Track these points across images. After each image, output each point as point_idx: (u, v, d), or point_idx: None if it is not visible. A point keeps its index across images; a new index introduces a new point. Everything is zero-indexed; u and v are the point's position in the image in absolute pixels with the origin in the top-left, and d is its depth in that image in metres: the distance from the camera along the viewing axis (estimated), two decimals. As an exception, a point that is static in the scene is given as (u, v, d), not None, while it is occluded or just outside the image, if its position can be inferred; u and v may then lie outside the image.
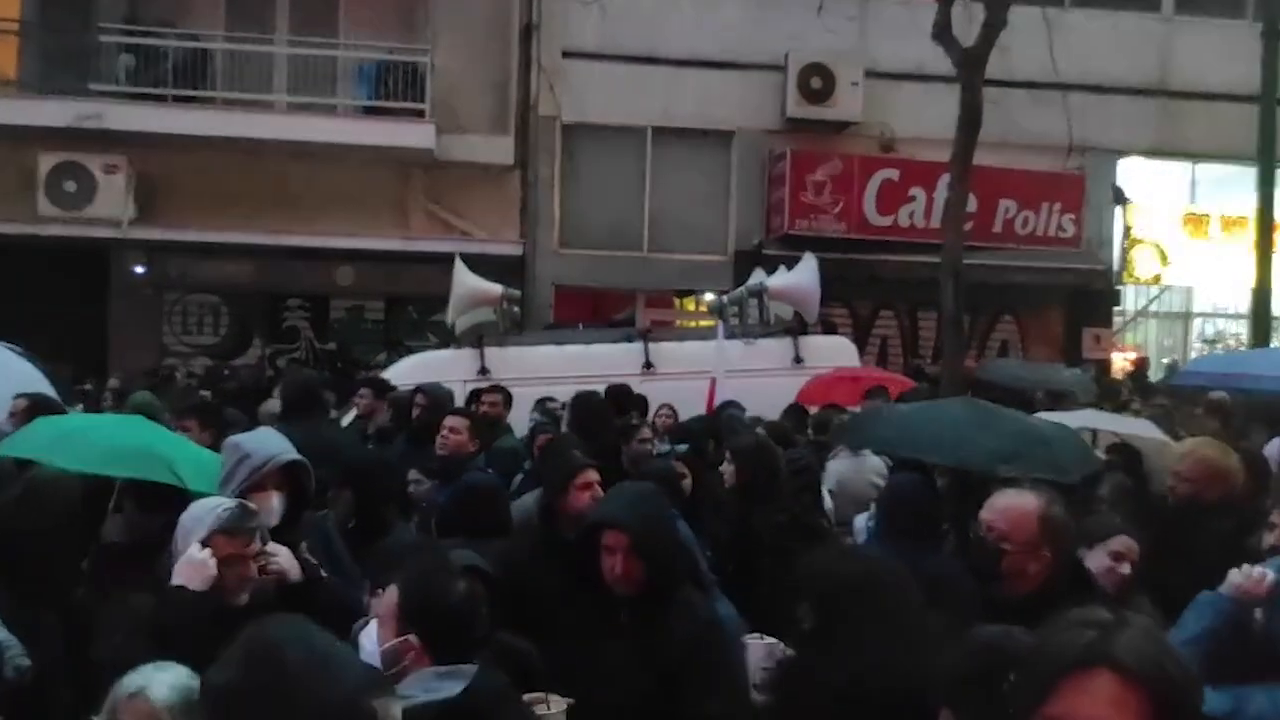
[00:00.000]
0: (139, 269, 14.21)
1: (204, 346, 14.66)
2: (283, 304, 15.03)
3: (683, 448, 5.55)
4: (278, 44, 13.92)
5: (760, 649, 3.15)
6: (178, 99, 13.13)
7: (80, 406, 8.27)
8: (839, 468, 5.11)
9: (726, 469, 4.65)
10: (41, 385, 7.00)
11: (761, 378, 8.55)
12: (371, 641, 2.54)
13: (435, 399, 6.66)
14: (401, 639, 2.38)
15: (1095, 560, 3.24)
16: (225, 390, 10.74)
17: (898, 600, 2.61)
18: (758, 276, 10.28)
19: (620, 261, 14.61)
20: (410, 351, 11.78)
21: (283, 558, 3.14)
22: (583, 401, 5.93)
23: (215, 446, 4.21)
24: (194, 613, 2.80)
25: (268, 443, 3.64)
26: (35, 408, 5.62)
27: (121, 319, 14.29)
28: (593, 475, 3.75)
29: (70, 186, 12.74)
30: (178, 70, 13.11)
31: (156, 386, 10.33)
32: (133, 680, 2.24)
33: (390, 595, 2.47)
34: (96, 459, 3.78)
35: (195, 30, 13.64)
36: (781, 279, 10.01)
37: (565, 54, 14.33)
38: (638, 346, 9.27)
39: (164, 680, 2.23)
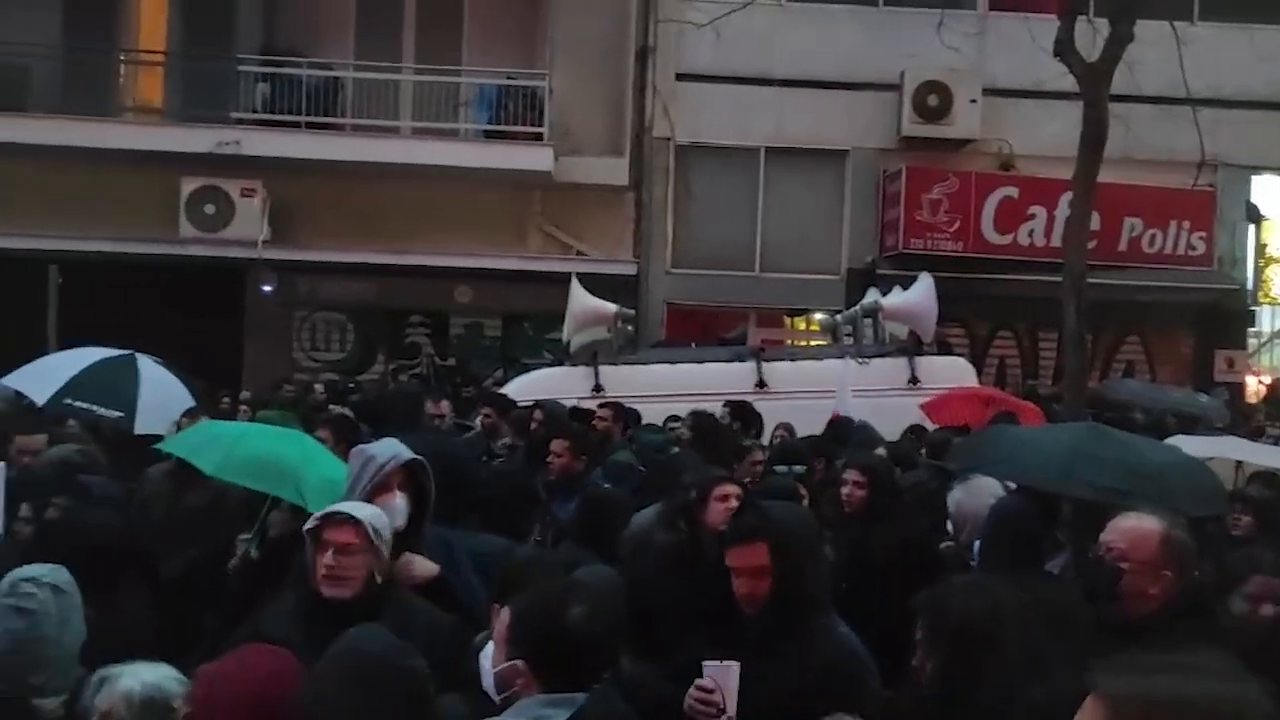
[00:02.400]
0: (270, 288, 14.85)
1: (331, 362, 15.21)
2: (405, 321, 15.52)
3: (800, 468, 5.57)
4: (404, 72, 14.44)
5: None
6: (310, 125, 13.73)
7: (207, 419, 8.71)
8: (958, 491, 5.05)
9: (847, 488, 4.65)
10: (182, 401, 7.42)
11: (876, 398, 8.50)
12: (490, 661, 2.50)
13: (552, 416, 6.79)
14: (510, 663, 2.31)
15: (1236, 605, 3.13)
16: (351, 404, 11.15)
17: (1019, 633, 2.58)
18: (872, 296, 10.23)
19: (732, 281, 14.69)
20: (526, 368, 12.05)
21: (417, 564, 3.28)
22: (700, 419, 6.01)
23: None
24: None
25: (389, 445, 3.72)
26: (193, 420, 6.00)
27: (255, 335, 14.95)
28: (732, 488, 3.76)
29: (209, 209, 13.43)
30: (310, 98, 13.71)
31: (288, 401, 10.82)
32: (114, 670, 2.32)
33: (505, 616, 2.40)
34: (231, 468, 3.98)
35: (327, 59, 14.26)
36: (897, 298, 9.95)
37: (679, 76, 14.52)
38: (750, 365, 9.32)
39: (139, 675, 2.29)
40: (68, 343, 9.29)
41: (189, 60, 14.11)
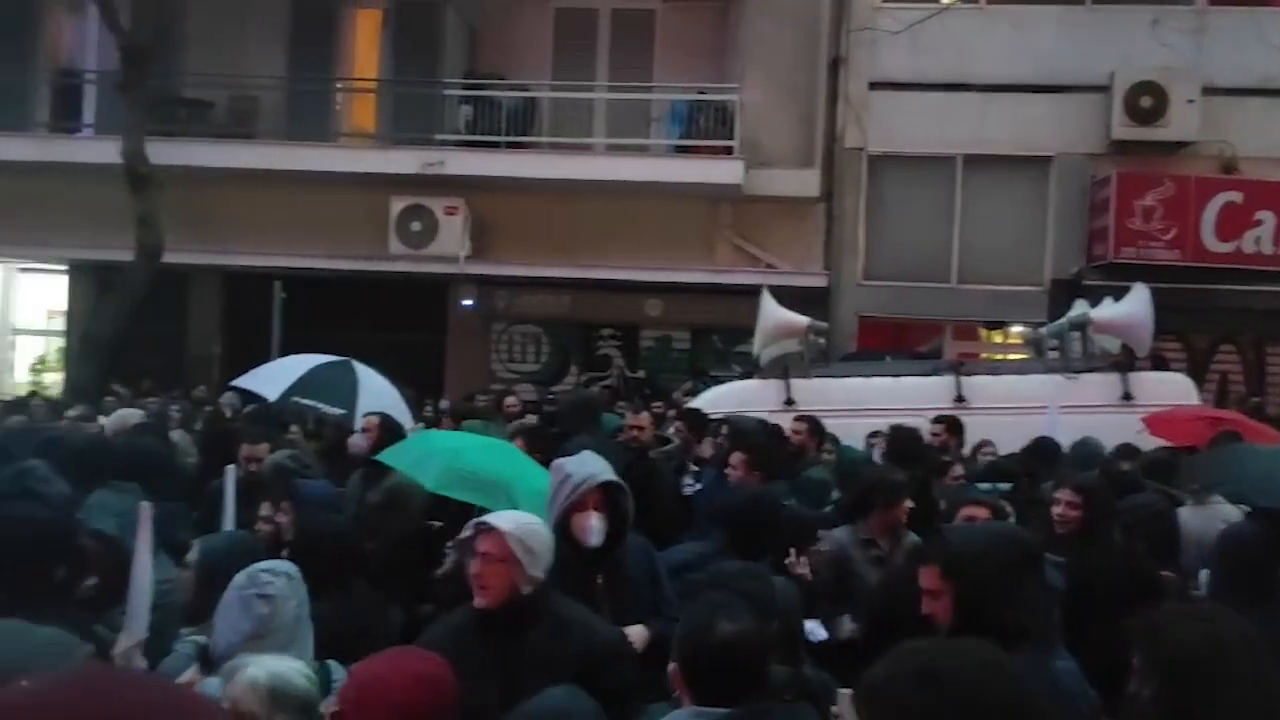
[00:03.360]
0: (471, 301, 15.47)
1: (526, 373, 15.70)
2: (596, 333, 15.85)
3: (1005, 486, 5.35)
4: (597, 90, 14.79)
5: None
6: (509, 145, 14.25)
7: (421, 425, 9.15)
8: (1186, 513, 4.73)
9: (1059, 509, 4.43)
10: (397, 404, 7.84)
11: (1085, 415, 8.07)
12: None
13: (737, 430, 6.75)
14: (674, 666, 2.42)
15: None
16: (546, 415, 11.46)
17: (1248, 667, 2.39)
18: (1080, 307, 9.73)
19: (927, 292, 14.28)
20: (715, 380, 12.08)
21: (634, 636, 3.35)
22: (900, 433, 5.86)
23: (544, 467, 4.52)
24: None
25: (587, 463, 3.77)
26: (384, 425, 6.31)
27: (456, 347, 15.61)
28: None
29: (416, 226, 14.13)
30: (509, 119, 14.24)
31: (481, 410, 11.23)
32: (244, 660, 2.37)
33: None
34: (447, 480, 4.13)
35: (525, 81, 14.76)
36: (1109, 310, 9.43)
37: (873, 85, 14.27)
38: (949, 379, 9.03)
39: (265, 665, 2.34)
40: (289, 353, 9.94)
41: (398, 86, 14.89)
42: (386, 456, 4.59)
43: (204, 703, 1.33)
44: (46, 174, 14.22)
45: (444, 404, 12.19)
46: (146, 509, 3.03)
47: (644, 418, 7.57)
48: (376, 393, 7.82)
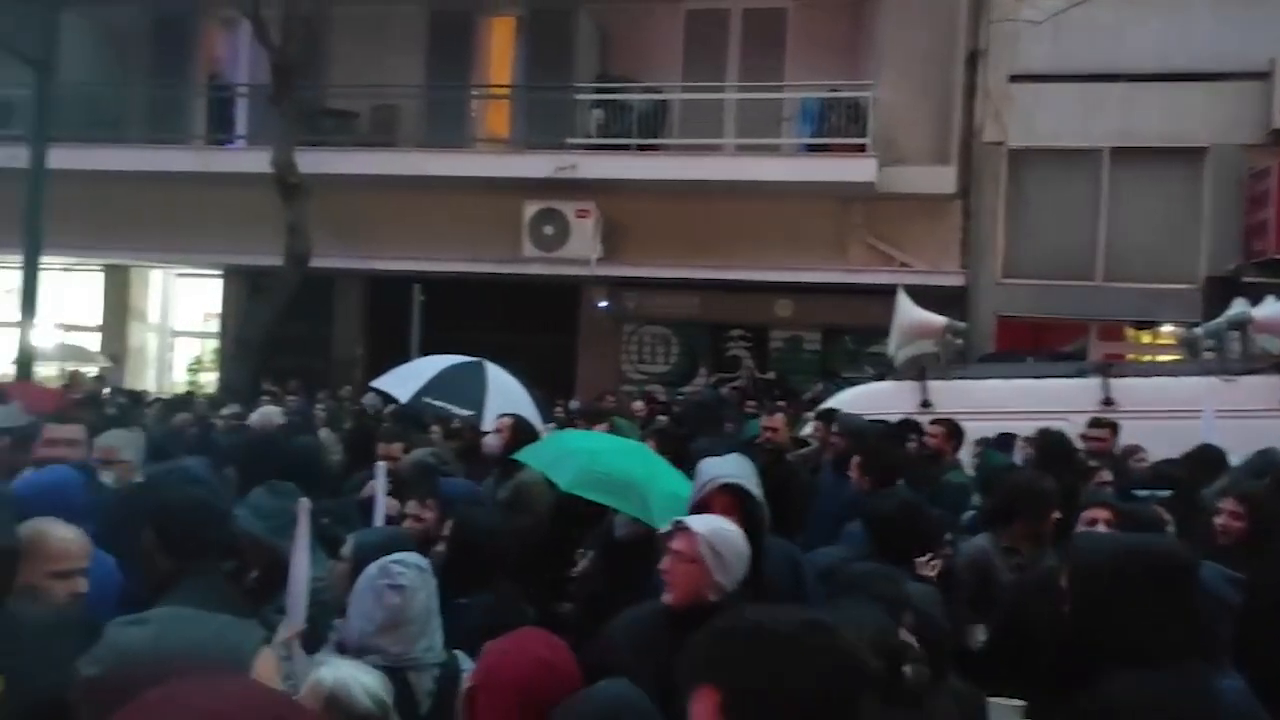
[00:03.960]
0: (602, 303, 15.62)
1: (656, 374, 15.79)
2: (726, 334, 15.83)
3: (1164, 493, 5.10)
4: (728, 91, 14.76)
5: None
6: (640, 148, 14.35)
7: (553, 425, 9.28)
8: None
9: (1222, 518, 4.20)
10: (527, 405, 7.97)
11: (1245, 419, 7.64)
12: None
13: (851, 431, 6.65)
14: None
15: None
16: (672, 416, 11.49)
17: None
18: (1239, 306, 9.22)
19: (1070, 291, 13.77)
20: (847, 382, 11.90)
21: None
22: (1046, 437, 5.66)
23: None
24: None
25: (717, 465, 3.73)
26: (517, 426, 6.41)
27: (587, 348, 15.81)
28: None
29: (548, 230, 14.35)
30: (640, 121, 14.33)
31: (608, 411, 11.34)
32: (327, 659, 2.37)
33: None
34: (581, 481, 4.17)
35: (656, 83, 14.84)
36: (1271, 308, 8.91)
37: (1013, 78, 13.82)
38: (1096, 381, 8.67)
39: (338, 670, 2.35)
40: (427, 354, 10.23)
41: (531, 91, 15.16)
42: (524, 455, 4.68)
43: (301, 709, 1.37)
44: (203, 184, 15.01)
45: (574, 404, 12.35)
46: (305, 505, 3.16)
47: (779, 419, 7.51)
48: (506, 394, 7.96)
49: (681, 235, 14.41)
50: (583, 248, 14.25)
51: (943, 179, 13.89)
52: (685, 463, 4.83)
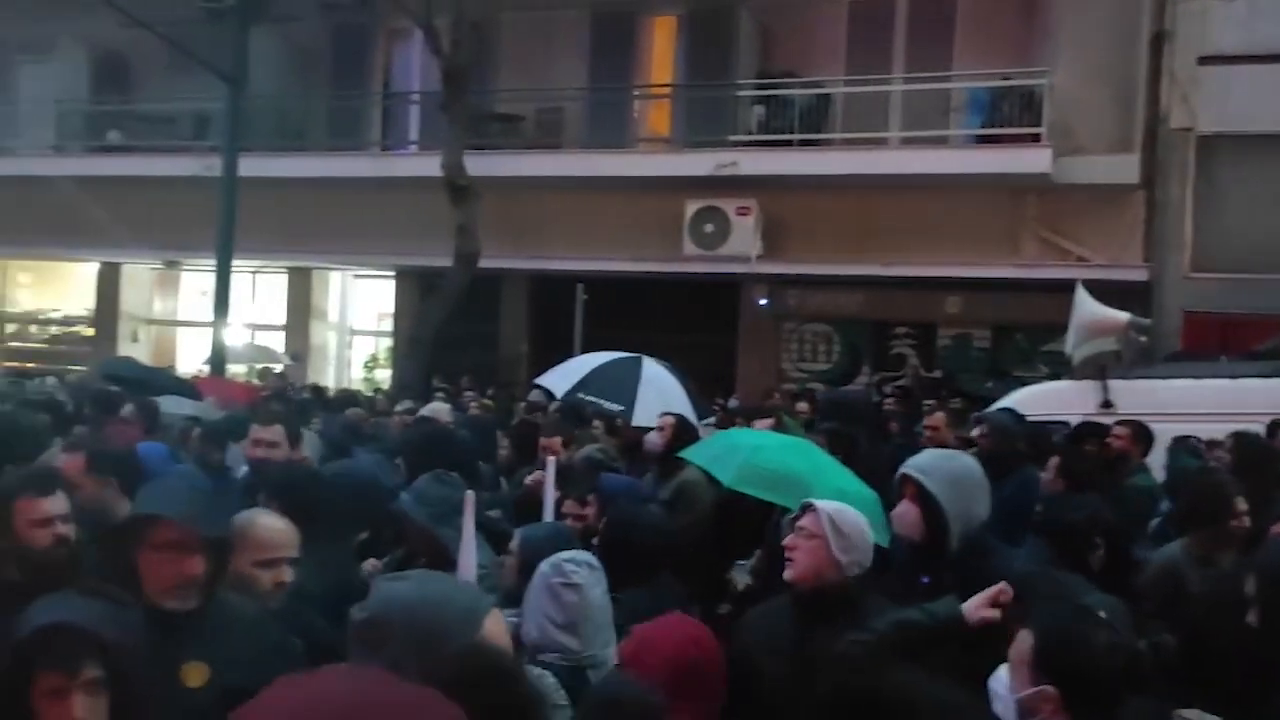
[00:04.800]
0: (762, 301, 15.50)
1: (817, 372, 15.55)
2: (890, 332, 15.45)
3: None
4: (894, 83, 14.41)
5: None
6: (801, 143, 14.16)
7: (712, 421, 9.25)
8: None
9: None
10: (682, 402, 7.96)
11: None
12: (1003, 686, 2.42)
13: (998, 430, 6.36)
14: (1037, 689, 2.25)
15: None
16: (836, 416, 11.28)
17: None
18: None
19: (1264, 285, 12.80)
20: (1020, 381, 11.44)
21: None
22: (1245, 441, 5.28)
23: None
24: None
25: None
26: (679, 424, 6.41)
27: (747, 346, 15.72)
28: None
29: (709, 228, 14.34)
30: (802, 116, 14.15)
31: (768, 409, 11.21)
32: None
33: (1025, 638, 2.34)
34: (745, 477, 4.13)
35: (819, 77, 14.62)
36: None
37: (1202, 60, 12.99)
38: (1295, 382, 8.05)
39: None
40: (589, 352, 10.37)
41: (692, 90, 15.18)
42: (687, 452, 4.67)
43: (446, 705, 1.41)
44: (378, 189, 15.66)
45: (733, 403, 12.29)
46: (471, 497, 3.23)
47: (939, 418, 7.30)
48: (659, 390, 7.98)
49: (844, 231, 14.16)
50: (743, 245, 14.17)
51: (1124, 168, 13.17)
52: (854, 462, 4.73)
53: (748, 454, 4.12)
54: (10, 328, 20.97)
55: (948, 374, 14.90)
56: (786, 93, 14.39)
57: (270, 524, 3.04)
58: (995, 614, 2.78)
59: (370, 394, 13.62)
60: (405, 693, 1.39)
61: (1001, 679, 2.48)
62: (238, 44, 14.19)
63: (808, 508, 3.18)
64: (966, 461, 3.66)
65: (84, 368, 16.72)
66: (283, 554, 3.00)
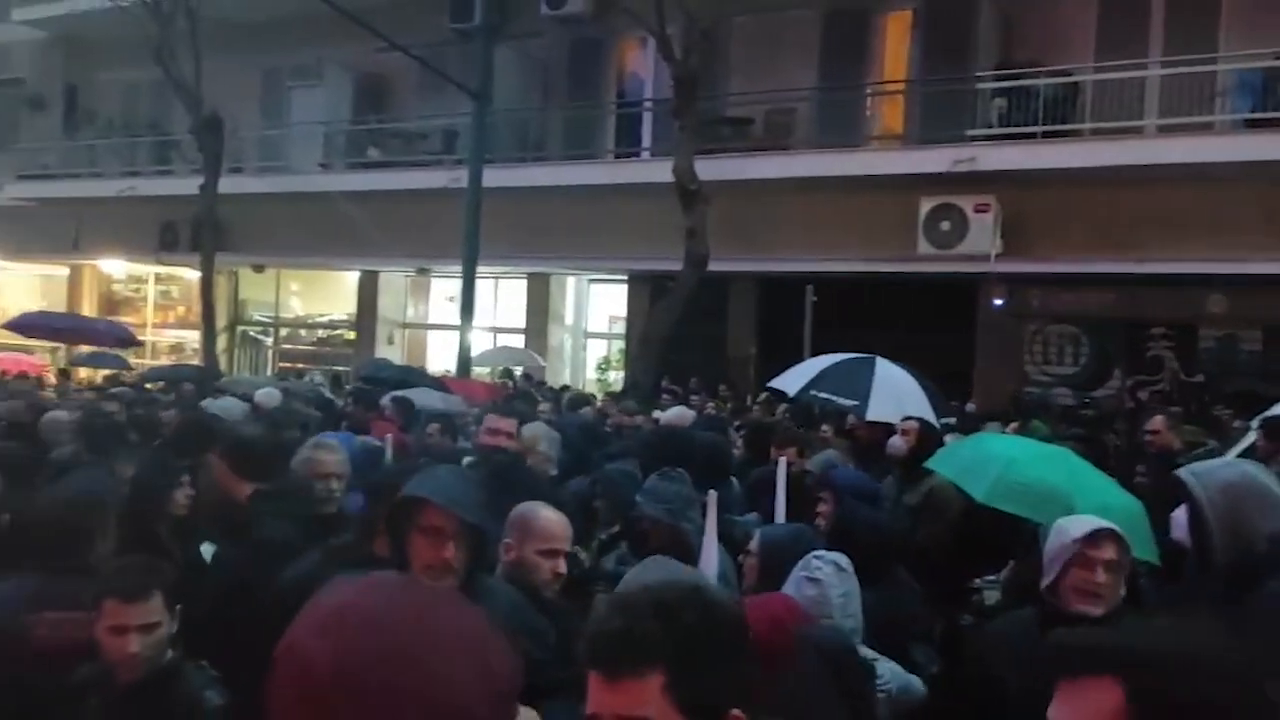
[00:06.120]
0: (1001, 301, 14.87)
1: (1062, 376, 14.76)
2: (1145, 333, 14.46)
3: None
4: (1150, 68, 13.48)
5: None
6: (1046, 135, 13.48)
7: (953, 422, 8.97)
8: None
9: None
10: (919, 402, 7.75)
11: None
12: None
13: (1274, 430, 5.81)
14: None
15: None
16: (1084, 421, 10.69)
17: None
18: None
19: None
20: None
21: None
22: None
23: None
24: None
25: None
26: (923, 430, 6.25)
27: (985, 348, 15.11)
28: None
29: (945, 226, 13.88)
30: (1047, 107, 13.46)
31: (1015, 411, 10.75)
32: None
33: None
34: (1001, 493, 3.95)
35: (1065, 65, 13.88)
36: None
37: None
38: None
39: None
40: (818, 353, 10.25)
41: (928, 85, 14.75)
42: (935, 463, 4.53)
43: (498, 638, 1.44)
44: (611, 195, 16.10)
45: (970, 407, 11.86)
46: (714, 498, 3.29)
47: (1159, 421, 6.81)
48: (894, 388, 7.80)
49: (1092, 226, 13.36)
50: (981, 243, 13.63)
51: None
52: (1107, 472, 4.48)
53: (1002, 467, 3.93)
54: (284, 332, 22.98)
55: (1210, 378, 13.80)
56: (1030, 83, 13.72)
57: (551, 516, 3.21)
58: None
59: (603, 396, 14.02)
60: (439, 607, 1.43)
61: None
62: (483, 62, 14.96)
63: (1106, 533, 3.03)
64: (1247, 469, 3.38)
65: (346, 368, 18.12)
66: (561, 545, 3.16)
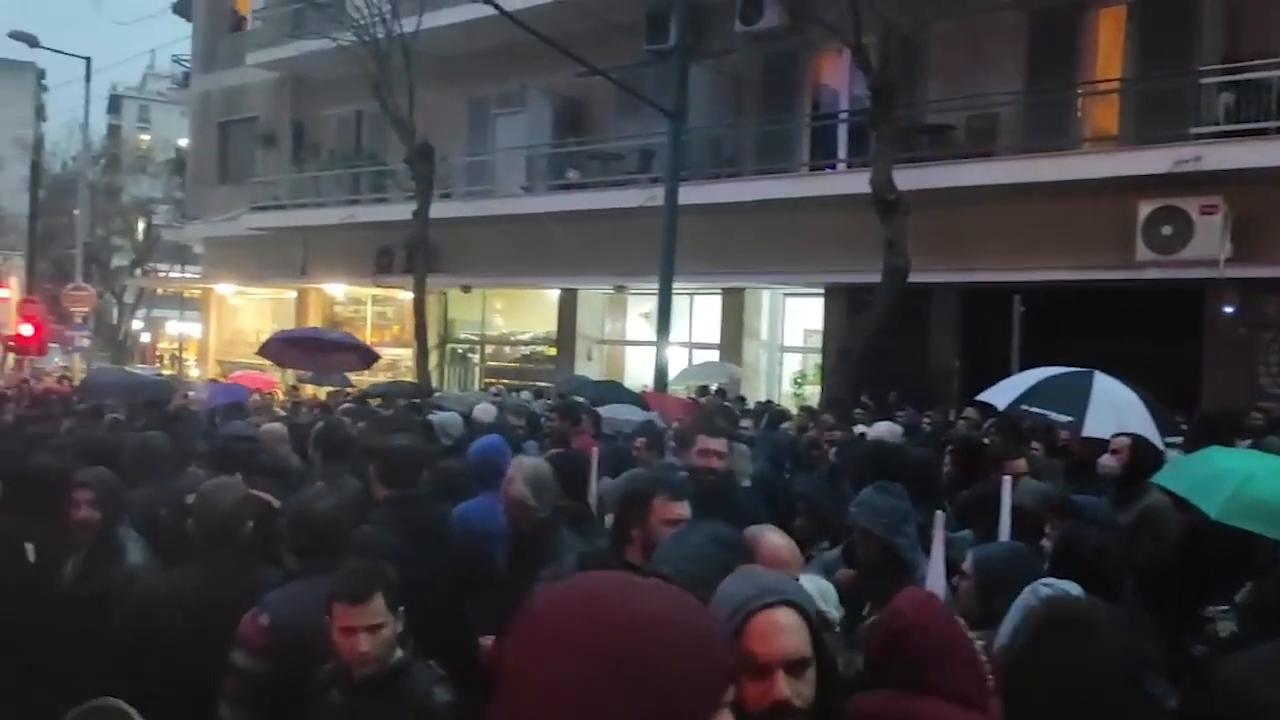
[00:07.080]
0: (1230, 308, 13.85)
1: (1303, 389, 13.61)
2: (1397, 342, 13.16)
3: None
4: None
5: None
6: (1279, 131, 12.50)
7: (1178, 441, 8.40)
8: None
9: None
10: (1141, 419, 7.31)
11: None
12: None
13: None
14: None
15: None
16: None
17: None
18: None
19: None
20: None
21: None
22: None
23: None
24: None
25: None
26: (1136, 446, 5.87)
27: (1214, 358, 14.10)
28: None
29: (1166, 230, 13.08)
30: (1279, 101, 12.49)
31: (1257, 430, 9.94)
32: None
33: None
34: (1234, 509, 3.70)
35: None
36: None
37: None
38: None
39: None
40: (1027, 366, 9.81)
41: (1144, 83, 13.94)
42: (1163, 479, 4.27)
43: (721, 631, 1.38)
44: (806, 209, 15.98)
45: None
46: (940, 518, 3.21)
47: None
48: (1113, 404, 7.38)
49: (1339, 227, 12.29)
50: (1209, 247, 12.77)
51: None
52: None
53: (1238, 483, 3.68)
54: (489, 349, 23.92)
55: None
56: (1262, 75, 12.76)
57: (778, 540, 3.21)
58: None
59: (798, 410, 13.89)
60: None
61: None
62: (679, 81, 15.15)
63: None
64: None
65: (548, 384, 18.68)
66: (790, 570, 3.16)
